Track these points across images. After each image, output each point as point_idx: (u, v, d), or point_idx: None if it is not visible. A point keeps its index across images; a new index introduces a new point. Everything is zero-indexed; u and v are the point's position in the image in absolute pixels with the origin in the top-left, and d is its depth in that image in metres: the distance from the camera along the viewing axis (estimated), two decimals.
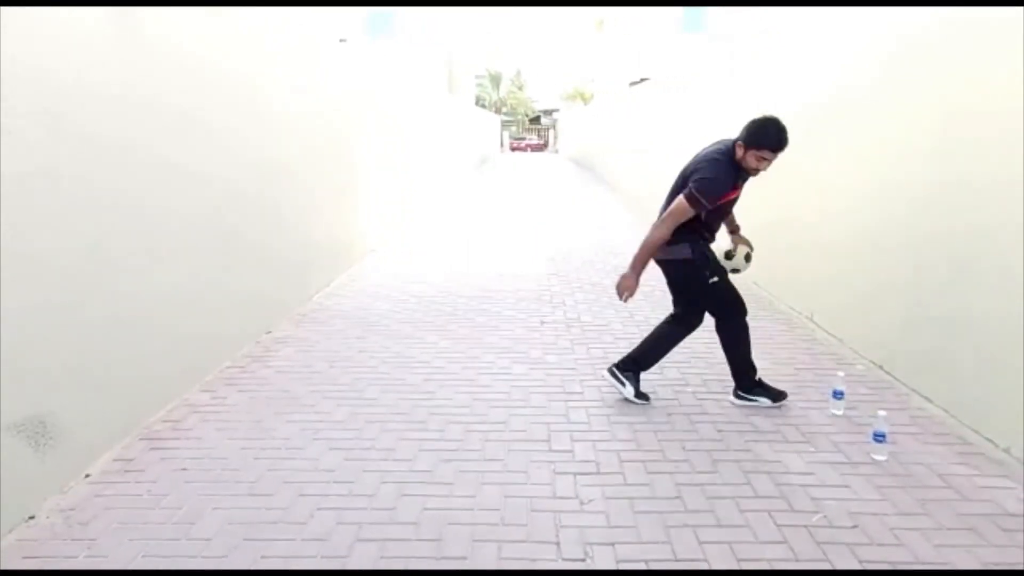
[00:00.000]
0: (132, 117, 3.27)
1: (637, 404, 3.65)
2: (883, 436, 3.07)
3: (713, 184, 3.27)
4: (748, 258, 3.70)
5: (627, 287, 3.45)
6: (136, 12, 3.29)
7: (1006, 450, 3.07)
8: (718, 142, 3.47)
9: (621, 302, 3.63)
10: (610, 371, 3.75)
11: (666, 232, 3.38)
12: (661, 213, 3.47)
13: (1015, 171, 3.06)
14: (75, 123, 2.88)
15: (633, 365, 3.72)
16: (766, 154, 3.22)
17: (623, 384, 3.68)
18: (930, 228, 3.70)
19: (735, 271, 3.65)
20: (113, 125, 3.14)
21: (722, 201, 3.36)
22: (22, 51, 2.57)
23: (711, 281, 3.48)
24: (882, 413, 3.11)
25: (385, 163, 8.85)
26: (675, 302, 3.71)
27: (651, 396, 3.72)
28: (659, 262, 3.57)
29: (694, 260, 3.46)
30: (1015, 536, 2.49)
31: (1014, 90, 3.07)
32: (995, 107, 3.22)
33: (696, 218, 3.36)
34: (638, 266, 3.43)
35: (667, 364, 4.24)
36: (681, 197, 3.32)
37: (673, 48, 27.32)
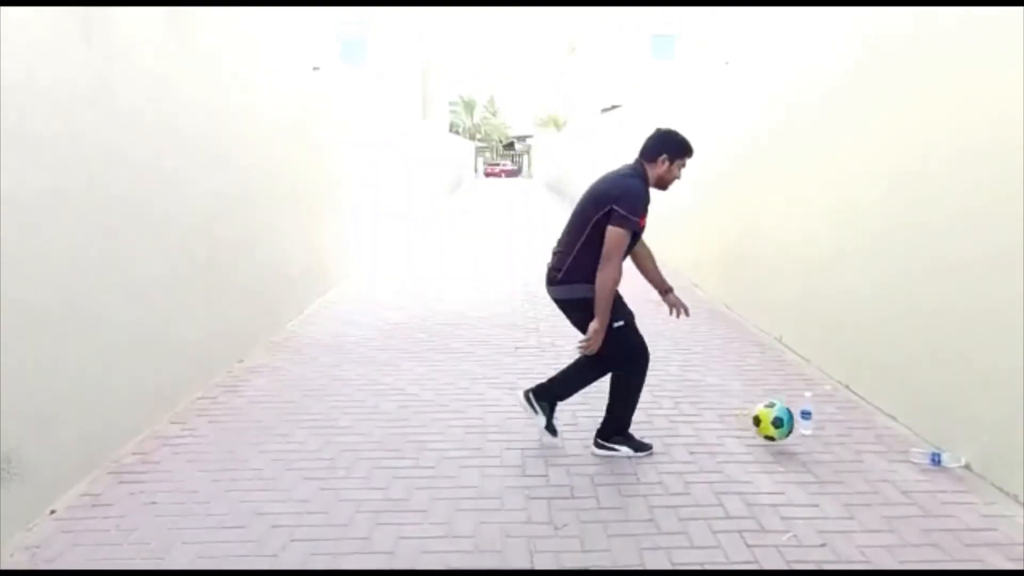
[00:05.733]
0: (94, 153, 3.27)
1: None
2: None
3: (639, 200, 3.13)
4: None
5: (598, 341, 3.12)
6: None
7: (966, 466, 3.16)
8: (618, 168, 3.33)
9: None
10: (525, 395, 3.46)
11: (616, 270, 3.10)
12: (567, 248, 3.26)
13: (973, 191, 3.19)
14: (38, 165, 2.88)
15: (548, 395, 3.45)
16: (686, 160, 3.29)
17: (536, 412, 3.41)
18: (891, 250, 3.82)
19: None
20: (80, 170, 3.14)
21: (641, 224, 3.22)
22: None
23: (615, 325, 3.18)
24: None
25: (359, 189, 8.87)
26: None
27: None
28: (559, 302, 3.38)
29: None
30: (975, 551, 2.56)
31: (989, 105, 3.08)
32: (967, 122, 3.24)
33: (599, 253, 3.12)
34: (604, 316, 3.11)
35: None
36: (612, 227, 3.07)
37: (644, 74, 27.86)
